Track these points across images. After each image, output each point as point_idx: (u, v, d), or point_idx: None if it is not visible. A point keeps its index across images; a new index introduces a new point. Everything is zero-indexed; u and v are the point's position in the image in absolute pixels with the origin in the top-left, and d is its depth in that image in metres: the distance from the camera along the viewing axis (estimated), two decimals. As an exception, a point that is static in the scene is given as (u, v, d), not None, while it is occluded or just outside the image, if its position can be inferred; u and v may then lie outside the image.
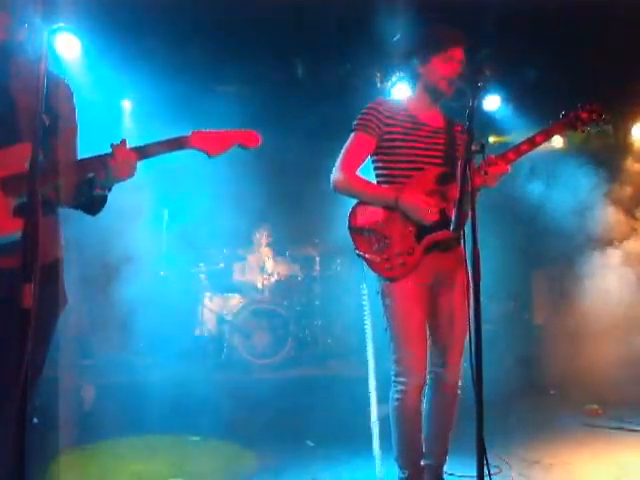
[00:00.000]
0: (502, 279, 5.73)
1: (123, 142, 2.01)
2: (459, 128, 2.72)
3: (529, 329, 6.70)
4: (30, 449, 1.46)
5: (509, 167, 2.60)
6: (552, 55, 5.49)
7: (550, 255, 6.70)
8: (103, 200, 2.11)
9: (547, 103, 6.25)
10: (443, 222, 2.54)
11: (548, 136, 2.65)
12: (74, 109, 2.16)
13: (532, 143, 2.61)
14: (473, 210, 2.13)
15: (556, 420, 4.49)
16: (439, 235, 2.56)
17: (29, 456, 1.46)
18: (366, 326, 4.01)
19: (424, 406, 2.68)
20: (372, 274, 2.61)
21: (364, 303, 3.70)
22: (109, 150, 2.01)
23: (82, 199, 2.08)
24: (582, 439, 4.01)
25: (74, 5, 4.09)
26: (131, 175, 2.02)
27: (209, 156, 2.09)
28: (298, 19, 4.92)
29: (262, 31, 5.10)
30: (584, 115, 2.67)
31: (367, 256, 2.58)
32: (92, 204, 2.11)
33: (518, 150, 2.61)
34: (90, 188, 2.05)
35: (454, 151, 2.65)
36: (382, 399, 3.97)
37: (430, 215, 2.52)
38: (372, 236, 2.59)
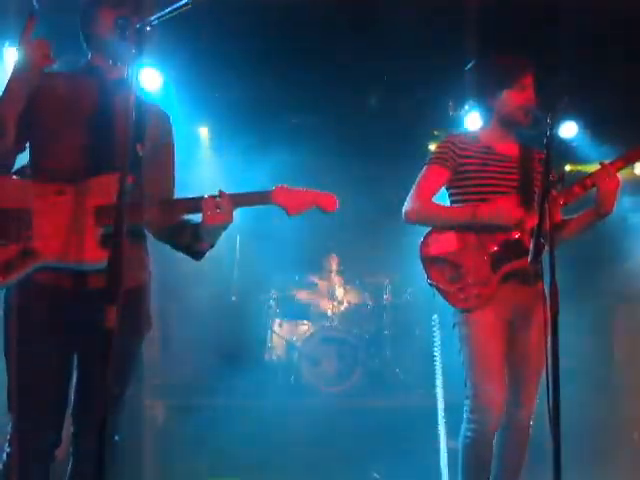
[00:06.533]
0: (581, 312, 5.50)
1: (221, 194, 2.01)
2: (537, 156, 2.66)
3: (610, 366, 6.36)
4: (113, 466, 1.51)
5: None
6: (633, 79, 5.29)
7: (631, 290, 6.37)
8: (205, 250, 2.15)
9: (628, 128, 6.03)
10: (520, 252, 2.47)
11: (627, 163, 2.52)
12: (171, 140, 2.24)
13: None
14: (551, 241, 2.06)
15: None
16: (516, 264, 2.49)
17: (111, 473, 1.51)
18: (436, 357, 3.93)
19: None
20: (447, 305, 2.55)
21: (435, 334, 3.63)
22: (200, 194, 2.02)
23: (184, 248, 2.14)
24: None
25: (158, 43, 4.31)
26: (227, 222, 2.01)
27: (288, 215, 2.08)
28: (370, 49, 4.98)
29: (333, 61, 5.19)
30: None
31: (440, 286, 2.54)
32: (195, 252, 2.16)
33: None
34: (196, 240, 2.09)
35: (531, 180, 2.59)
36: (451, 433, 3.88)
37: (514, 212, 2.45)
38: (445, 265, 2.54)
